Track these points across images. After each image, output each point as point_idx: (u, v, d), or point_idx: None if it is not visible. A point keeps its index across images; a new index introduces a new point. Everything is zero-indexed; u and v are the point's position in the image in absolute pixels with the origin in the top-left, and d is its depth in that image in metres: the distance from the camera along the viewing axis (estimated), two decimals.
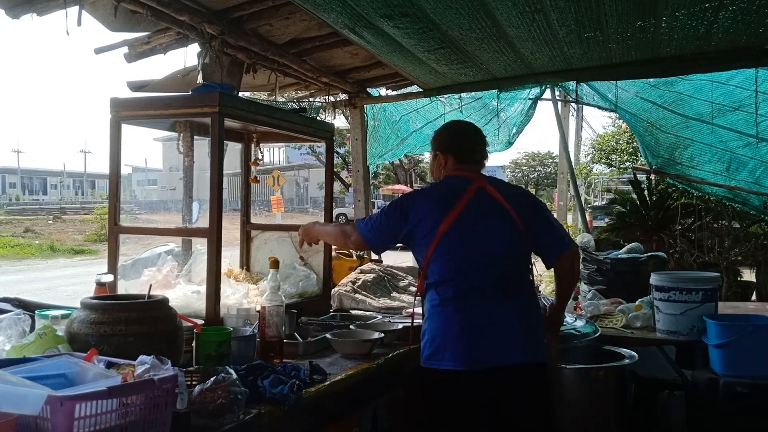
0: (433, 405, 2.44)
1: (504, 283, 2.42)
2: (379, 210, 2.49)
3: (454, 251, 2.40)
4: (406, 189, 41.93)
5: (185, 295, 2.72)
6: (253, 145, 3.50)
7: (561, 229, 2.64)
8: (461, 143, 2.63)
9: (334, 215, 3.81)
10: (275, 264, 2.55)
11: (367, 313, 3.60)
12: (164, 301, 2.13)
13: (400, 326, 2.94)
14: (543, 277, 10.35)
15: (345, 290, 3.94)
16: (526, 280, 2.56)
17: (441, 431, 2.42)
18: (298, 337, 2.75)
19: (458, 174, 2.56)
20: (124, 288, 2.77)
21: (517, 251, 2.49)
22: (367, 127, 5.33)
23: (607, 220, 9.75)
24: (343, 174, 33.55)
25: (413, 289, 4.25)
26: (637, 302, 3.70)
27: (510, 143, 5.27)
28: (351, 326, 2.93)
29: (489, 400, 2.37)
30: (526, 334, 2.40)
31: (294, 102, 5.24)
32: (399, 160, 35.18)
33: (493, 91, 4.68)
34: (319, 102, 5.20)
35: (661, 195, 7.75)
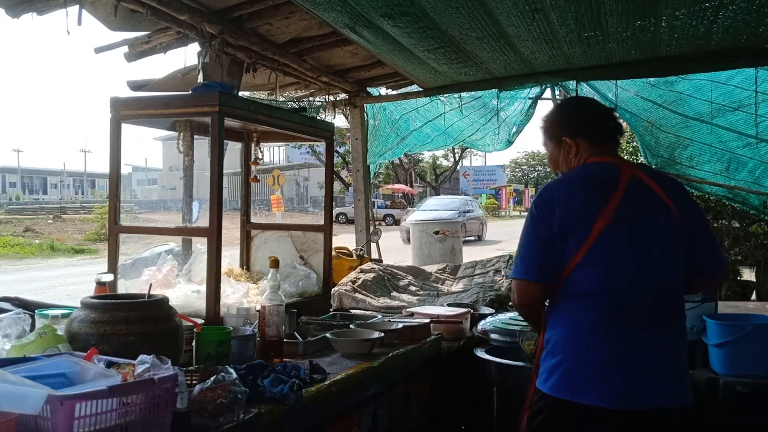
0: None
1: (663, 303, 1.97)
2: (520, 239, 2.02)
3: (613, 256, 1.91)
4: (406, 188, 41.95)
5: (185, 294, 2.72)
6: (253, 145, 3.50)
7: (717, 240, 2.16)
8: (596, 122, 2.12)
9: (334, 215, 3.81)
10: (275, 263, 2.55)
11: (367, 312, 3.61)
12: (164, 301, 2.13)
13: (400, 325, 2.94)
14: None
15: (345, 289, 3.94)
16: (682, 300, 2.06)
17: None
18: (298, 336, 2.75)
19: (600, 160, 2.06)
20: (124, 287, 2.77)
21: (679, 260, 2.00)
22: (367, 126, 5.34)
23: None
24: (343, 173, 33.59)
25: (413, 288, 4.25)
26: None
27: (510, 142, 5.27)
28: (351, 326, 2.93)
29: None
30: (680, 372, 1.99)
31: (294, 101, 5.24)
32: (399, 159, 35.21)
33: (493, 90, 4.68)
34: (319, 101, 5.20)
35: None
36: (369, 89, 5.18)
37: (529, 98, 5.01)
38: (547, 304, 2.06)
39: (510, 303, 3.65)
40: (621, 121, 2.20)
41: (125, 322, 1.94)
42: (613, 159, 2.09)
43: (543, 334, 2.06)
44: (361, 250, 5.09)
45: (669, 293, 1.99)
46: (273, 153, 49.41)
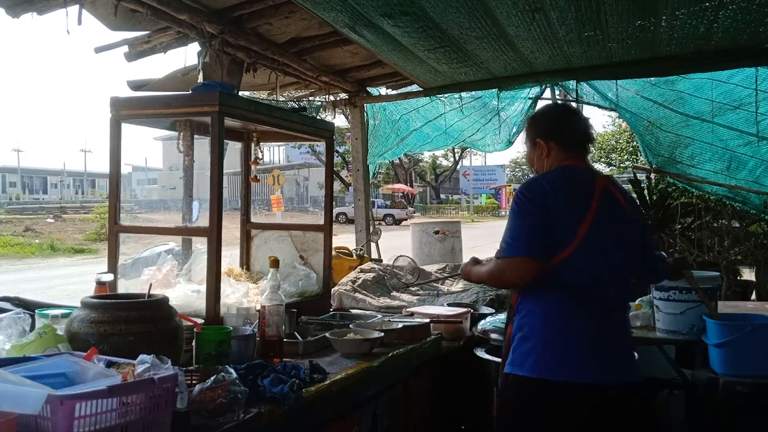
0: (536, 420, 2.11)
1: (623, 296, 2.31)
2: (509, 224, 2.15)
3: (591, 256, 2.12)
4: (406, 188, 41.97)
5: (185, 294, 2.72)
6: (253, 144, 3.50)
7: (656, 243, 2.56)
8: (569, 128, 2.32)
9: (334, 215, 3.81)
10: (275, 263, 2.55)
11: (367, 312, 3.61)
12: (164, 301, 2.13)
13: (400, 325, 2.94)
14: None
15: (345, 289, 3.94)
16: (632, 293, 2.48)
17: None
18: (298, 336, 2.75)
19: (575, 164, 2.27)
20: (124, 287, 2.77)
21: (634, 262, 2.29)
22: (367, 126, 5.34)
23: None
24: (343, 173, 33.61)
25: (413, 288, 4.25)
26: (636, 301, 3.70)
27: (510, 143, 5.27)
28: (351, 325, 2.93)
29: (596, 418, 2.11)
30: (632, 351, 2.31)
31: (294, 101, 5.24)
32: (399, 159, 35.22)
33: (494, 90, 4.68)
34: (319, 101, 5.20)
35: (661, 194, 7.74)
36: (369, 89, 5.17)
37: (529, 98, 5.01)
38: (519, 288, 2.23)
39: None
40: (594, 132, 2.38)
41: (125, 322, 1.94)
42: (585, 165, 2.32)
43: (512, 322, 2.24)
44: (361, 249, 5.09)
45: (626, 288, 2.34)
46: (273, 153, 49.47)
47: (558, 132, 2.31)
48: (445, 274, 4.51)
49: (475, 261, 2.53)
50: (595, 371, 2.10)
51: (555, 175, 2.24)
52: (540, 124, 2.39)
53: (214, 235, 2.49)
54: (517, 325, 2.20)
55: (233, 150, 3.78)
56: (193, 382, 1.84)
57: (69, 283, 11.77)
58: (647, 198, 7.81)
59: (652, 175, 7.01)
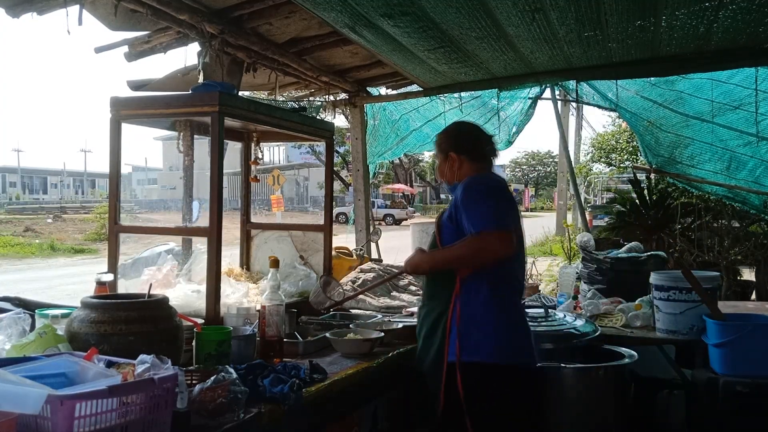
0: (513, 400, 2.36)
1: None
2: (478, 204, 2.34)
3: (520, 250, 2.47)
4: (406, 188, 41.94)
5: (185, 294, 2.73)
6: (253, 145, 3.50)
7: None
8: (478, 143, 2.62)
9: (334, 214, 3.81)
10: (275, 263, 2.55)
11: (367, 312, 3.61)
12: (164, 301, 2.13)
13: (400, 325, 2.94)
14: (542, 276, 10.36)
15: (345, 289, 3.93)
16: None
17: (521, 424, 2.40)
18: (298, 336, 2.75)
19: (491, 173, 2.59)
20: (124, 287, 2.77)
21: None
22: (367, 126, 5.34)
23: (606, 219, 9.75)
24: (343, 173, 33.58)
25: (413, 288, 4.24)
26: (636, 301, 3.70)
27: (510, 142, 5.27)
28: (351, 325, 2.93)
29: (535, 396, 2.49)
30: None
31: (294, 101, 5.24)
32: (399, 159, 35.19)
33: (493, 90, 4.68)
34: (319, 101, 5.20)
35: (661, 194, 7.74)
36: (369, 89, 5.17)
37: (529, 98, 5.01)
38: (461, 277, 2.36)
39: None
40: (497, 147, 2.67)
41: (125, 322, 1.94)
42: (496, 174, 2.58)
43: (453, 307, 2.35)
44: (361, 249, 5.09)
45: None
46: (273, 153, 49.39)
47: (470, 147, 2.57)
48: (379, 281, 4.26)
49: (422, 250, 2.59)
50: (532, 354, 2.43)
51: (491, 178, 2.48)
52: (452, 139, 2.63)
53: (214, 235, 2.49)
54: (467, 312, 2.34)
55: (233, 150, 3.78)
56: (193, 382, 1.84)
57: (69, 283, 11.76)
58: (647, 198, 7.82)
59: (652, 175, 7.02)
